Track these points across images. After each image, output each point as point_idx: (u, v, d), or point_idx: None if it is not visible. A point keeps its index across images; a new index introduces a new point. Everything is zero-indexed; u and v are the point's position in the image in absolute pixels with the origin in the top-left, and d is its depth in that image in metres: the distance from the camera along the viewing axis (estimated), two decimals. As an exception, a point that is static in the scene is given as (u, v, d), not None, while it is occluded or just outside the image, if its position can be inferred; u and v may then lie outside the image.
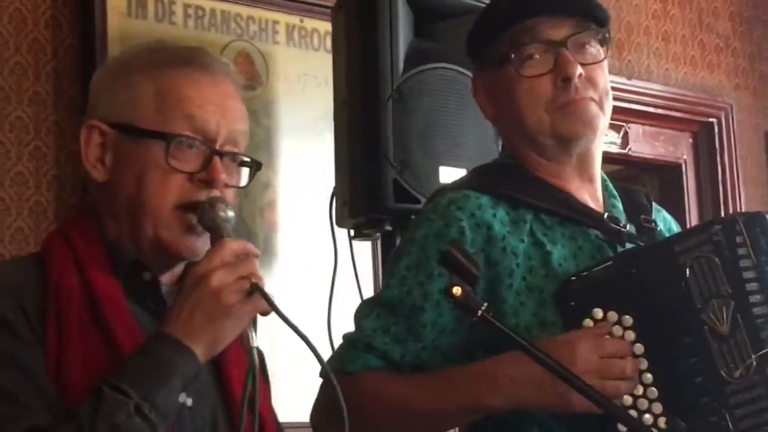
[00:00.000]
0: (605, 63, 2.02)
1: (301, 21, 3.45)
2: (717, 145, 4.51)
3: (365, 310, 2.00)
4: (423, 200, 2.64)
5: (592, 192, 2.05)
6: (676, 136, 4.49)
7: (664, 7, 4.40)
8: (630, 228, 2.03)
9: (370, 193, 2.69)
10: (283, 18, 3.42)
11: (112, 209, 1.71)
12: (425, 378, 1.91)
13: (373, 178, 2.67)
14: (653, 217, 2.10)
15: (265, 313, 1.61)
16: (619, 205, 2.07)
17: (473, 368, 1.89)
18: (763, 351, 1.81)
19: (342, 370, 1.91)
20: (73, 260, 1.65)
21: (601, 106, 1.98)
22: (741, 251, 1.86)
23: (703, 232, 1.91)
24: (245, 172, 1.78)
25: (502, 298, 1.90)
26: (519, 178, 2.02)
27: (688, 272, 1.86)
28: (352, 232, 2.83)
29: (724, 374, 1.81)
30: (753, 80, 4.67)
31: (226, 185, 1.71)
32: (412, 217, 2.68)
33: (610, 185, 2.11)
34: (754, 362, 1.81)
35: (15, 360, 1.56)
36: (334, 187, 2.81)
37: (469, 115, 2.74)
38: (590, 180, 2.05)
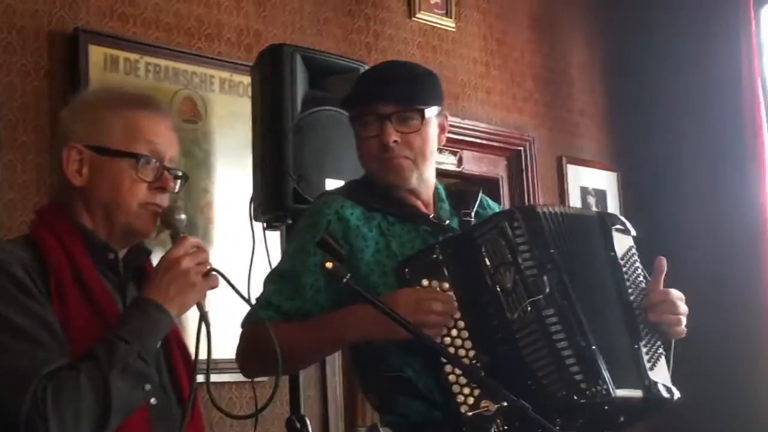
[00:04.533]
0: (428, 130, 1.99)
1: (231, 75, 3.43)
2: (523, 166, 4.52)
3: (267, 279, 2.02)
4: (314, 202, 2.74)
5: (425, 200, 2.06)
6: (495, 159, 4.49)
7: (488, 70, 4.43)
8: (454, 221, 2.04)
9: (277, 197, 2.71)
10: (218, 73, 3.40)
11: (87, 206, 1.69)
12: (305, 323, 1.93)
13: (279, 186, 2.69)
14: (472, 211, 2.08)
15: (214, 288, 1.66)
16: (446, 207, 2.09)
17: (337, 314, 1.91)
18: (533, 299, 1.83)
19: (250, 321, 1.96)
20: (58, 244, 1.63)
21: (414, 161, 1.98)
22: (518, 232, 1.87)
23: (493, 220, 1.93)
24: (179, 182, 1.80)
25: (356, 266, 1.93)
26: (375, 191, 2.03)
27: (483, 249, 1.87)
28: (265, 225, 2.85)
29: (510, 317, 1.83)
30: (548, 121, 4.71)
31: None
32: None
33: (442, 193, 2.11)
34: (528, 307, 1.83)
35: (33, 313, 1.53)
36: (252, 193, 2.83)
37: (347, 143, 2.68)
38: (421, 198, 2.06)
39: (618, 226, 2.05)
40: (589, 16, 5.04)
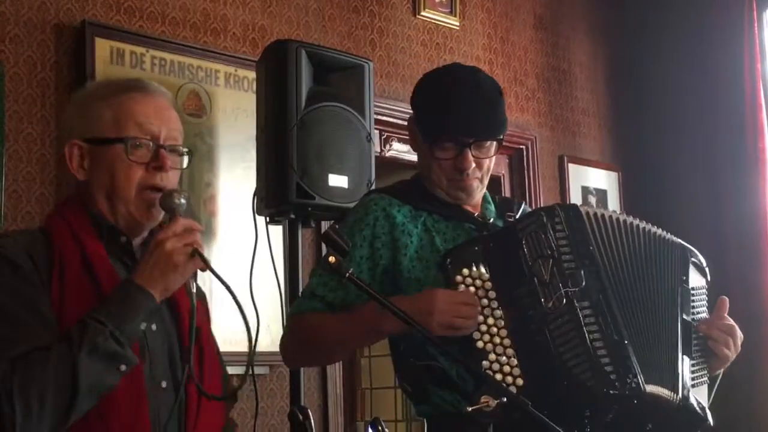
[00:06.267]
0: (494, 150, 2.04)
1: (236, 70, 3.43)
2: (525, 164, 4.52)
3: (313, 273, 2.05)
4: (317, 197, 2.70)
5: (474, 202, 2.09)
6: (497, 157, 4.27)
7: (491, 68, 4.41)
8: (497, 222, 2.08)
9: (280, 191, 2.71)
10: (223, 68, 3.40)
11: (94, 198, 1.71)
12: (347, 314, 1.96)
13: (282, 181, 2.69)
14: (516, 215, 2.13)
15: (202, 270, 1.64)
16: (492, 208, 2.13)
17: (373, 306, 1.88)
18: (567, 289, 1.85)
19: (296, 312, 2.02)
20: (69, 231, 1.66)
21: (481, 180, 2.04)
22: (558, 227, 1.91)
23: (534, 215, 1.97)
24: (185, 158, 1.79)
25: (399, 261, 1.98)
26: (423, 191, 2.07)
27: (523, 242, 1.90)
28: (268, 219, 2.85)
29: (544, 307, 1.85)
30: (550, 120, 4.71)
31: (171, 168, 1.73)
32: (309, 210, 2.76)
33: (488, 196, 2.14)
34: (563, 298, 1.85)
35: (24, 296, 1.55)
36: (256, 187, 2.83)
37: (351, 139, 2.81)
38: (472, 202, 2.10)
39: (695, 260, 2.10)
40: (593, 16, 5.04)
